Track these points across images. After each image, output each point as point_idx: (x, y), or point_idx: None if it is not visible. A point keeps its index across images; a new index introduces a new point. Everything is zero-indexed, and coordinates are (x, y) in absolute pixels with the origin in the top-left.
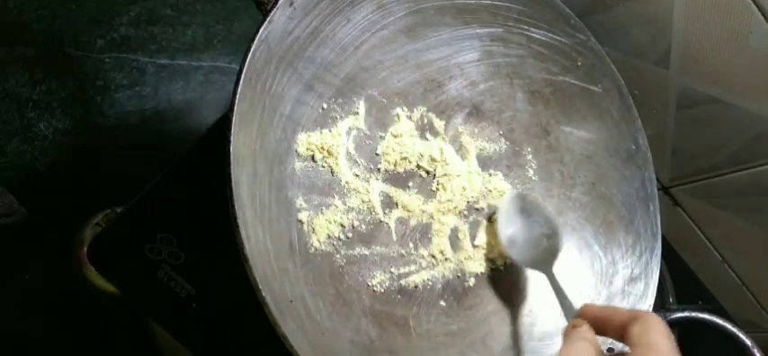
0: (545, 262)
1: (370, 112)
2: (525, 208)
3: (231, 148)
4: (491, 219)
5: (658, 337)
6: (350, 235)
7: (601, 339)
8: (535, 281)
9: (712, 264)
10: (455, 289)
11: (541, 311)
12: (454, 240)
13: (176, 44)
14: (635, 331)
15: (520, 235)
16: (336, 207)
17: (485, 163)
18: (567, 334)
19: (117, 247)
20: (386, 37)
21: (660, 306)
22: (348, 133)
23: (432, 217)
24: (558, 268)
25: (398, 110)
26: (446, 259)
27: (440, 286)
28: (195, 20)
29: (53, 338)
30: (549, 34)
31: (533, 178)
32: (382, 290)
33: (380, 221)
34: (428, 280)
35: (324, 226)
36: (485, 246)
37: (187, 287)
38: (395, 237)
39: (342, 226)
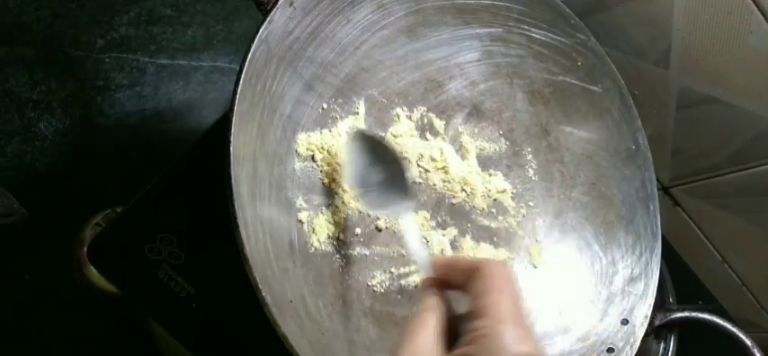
0: (400, 205)
1: (370, 112)
2: (369, 147)
3: (231, 148)
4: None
5: (498, 298)
6: (350, 235)
7: (601, 340)
8: (535, 281)
9: (712, 264)
10: None
11: (541, 311)
12: (454, 240)
13: (176, 44)
14: (476, 288)
15: (369, 179)
16: (336, 207)
17: (485, 163)
18: (418, 296)
19: (117, 247)
20: (386, 37)
21: (660, 305)
22: (348, 133)
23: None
24: (410, 215)
25: (398, 110)
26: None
27: None
28: (195, 20)
29: (53, 338)
30: (549, 34)
31: (533, 178)
32: (382, 290)
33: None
34: None
35: (324, 226)
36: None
37: (187, 287)
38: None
39: (342, 226)
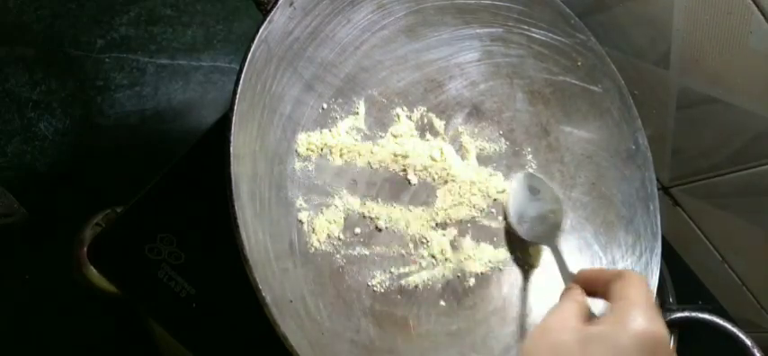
0: (550, 235)
1: (370, 112)
2: (533, 186)
3: (231, 148)
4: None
5: (636, 291)
6: (350, 235)
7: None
8: (535, 281)
9: (712, 264)
10: (455, 289)
11: (541, 311)
12: (454, 240)
13: (176, 44)
14: (616, 287)
15: (528, 212)
16: (336, 207)
17: (485, 163)
18: (561, 296)
19: (117, 247)
20: (386, 37)
21: (660, 305)
22: (348, 133)
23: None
24: (561, 241)
25: (398, 110)
26: (446, 259)
27: (440, 286)
28: (195, 20)
29: (53, 338)
30: (549, 34)
31: None
32: (382, 290)
33: (379, 222)
34: (428, 280)
35: (324, 226)
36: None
37: (187, 287)
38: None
39: (342, 226)
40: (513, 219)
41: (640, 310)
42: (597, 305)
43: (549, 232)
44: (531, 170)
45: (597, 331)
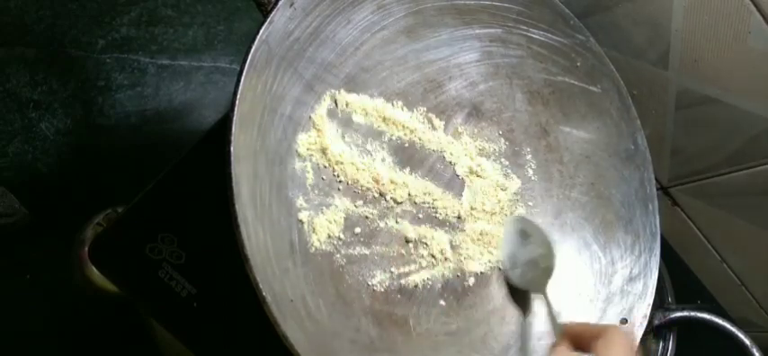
0: (541, 283)
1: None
2: (523, 230)
3: (232, 148)
4: None
5: (617, 350)
6: (350, 234)
7: None
8: None
9: (711, 264)
10: (455, 289)
11: (541, 311)
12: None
13: (177, 44)
14: (599, 345)
15: (520, 257)
16: (336, 206)
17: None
18: (550, 353)
19: (118, 247)
20: (386, 37)
21: (659, 305)
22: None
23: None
24: (550, 288)
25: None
26: (446, 259)
27: (440, 286)
28: (196, 20)
29: (53, 338)
30: (549, 35)
31: (533, 178)
32: (382, 290)
33: (380, 222)
34: (428, 279)
35: (324, 225)
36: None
37: (188, 286)
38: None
39: (342, 225)
40: (505, 265)
41: None
42: None
43: (540, 279)
44: (530, 170)
45: None
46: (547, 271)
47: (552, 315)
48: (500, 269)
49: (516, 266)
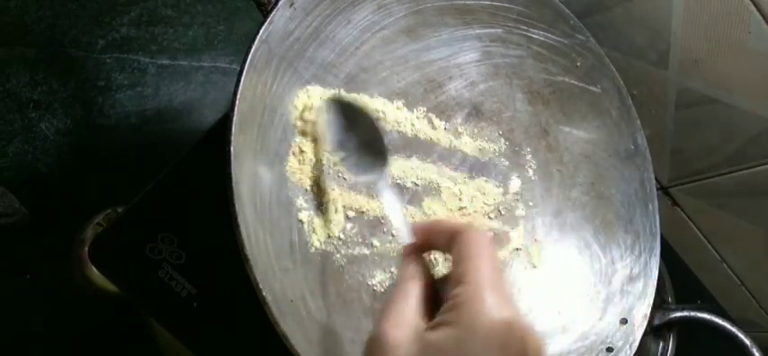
0: (376, 169)
1: None
2: (349, 113)
3: (232, 148)
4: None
5: (477, 262)
6: (350, 234)
7: (600, 339)
8: (534, 281)
9: (712, 264)
10: None
11: (541, 311)
12: None
13: (177, 44)
14: (456, 253)
15: (348, 143)
16: (336, 206)
17: (484, 163)
18: (400, 267)
19: (118, 247)
20: (386, 37)
21: (659, 305)
22: (322, 99)
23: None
24: (388, 174)
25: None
26: (446, 259)
27: None
28: (196, 20)
29: (53, 338)
30: (549, 35)
31: (533, 178)
32: (382, 290)
33: (380, 221)
34: None
35: (324, 225)
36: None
37: (188, 286)
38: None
39: (342, 225)
40: (335, 156)
41: (488, 295)
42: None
43: (374, 164)
44: (530, 170)
45: (438, 339)
46: (382, 155)
47: (392, 209)
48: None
49: (349, 155)
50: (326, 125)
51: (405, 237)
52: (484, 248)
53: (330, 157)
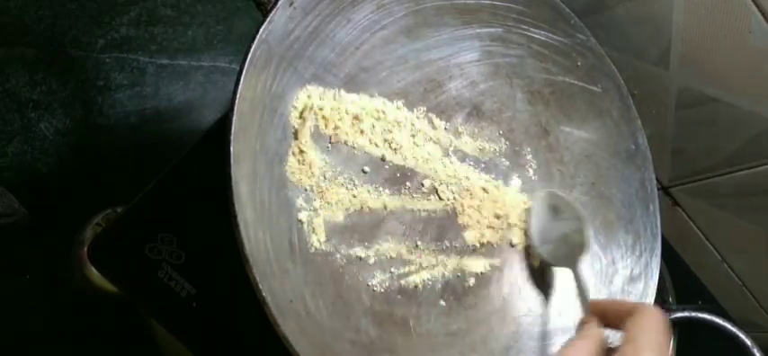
0: (574, 258)
1: None
2: (555, 205)
3: (231, 148)
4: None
5: (647, 331)
6: (350, 234)
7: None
8: (535, 281)
9: (712, 264)
10: (455, 289)
11: (541, 311)
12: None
13: (177, 44)
14: (629, 324)
15: (551, 232)
16: (336, 206)
17: (485, 163)
18: (577, 329)
19: (117, 247)
20: (386, 37)
21: (660, 305)
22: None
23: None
24: (583, 265)
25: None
26: (446, 259)
27: (440, 286)
28: (195, 20)
29: (53, 338)
30: (549, 34)
31: (533, 178)
32: (382, 290)
33: (380, 222)
34: (428, 280)
35: (324, 225)
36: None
37: (187, 286)
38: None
39: (342, 225)
40: (535, 241)
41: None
42: (614, 335)
43: (573, 254)
44: (531, 170)
45: None
46: (581, 246)
47: (582, 291)
48: (501, 269)
49: (547, 242)
50: (535, 215)
51: (583, 312)
52: (657, 321)
53: (533, 249)
